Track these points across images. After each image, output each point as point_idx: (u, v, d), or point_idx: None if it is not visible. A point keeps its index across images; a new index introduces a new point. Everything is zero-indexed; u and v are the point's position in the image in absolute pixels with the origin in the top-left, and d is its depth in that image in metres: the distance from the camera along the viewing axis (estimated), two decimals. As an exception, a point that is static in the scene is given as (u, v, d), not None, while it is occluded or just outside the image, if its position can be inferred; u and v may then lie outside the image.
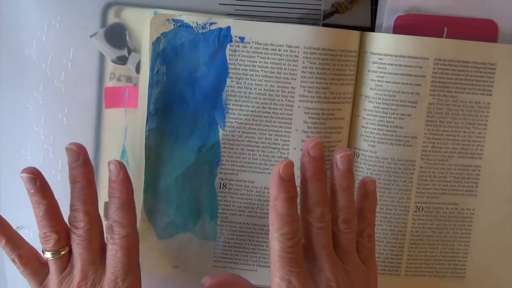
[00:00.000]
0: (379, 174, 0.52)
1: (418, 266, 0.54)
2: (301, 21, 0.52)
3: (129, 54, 0.52)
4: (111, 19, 0.52)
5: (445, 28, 0.52)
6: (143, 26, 0.51)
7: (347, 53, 0.50)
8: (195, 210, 0.53)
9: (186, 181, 0.52)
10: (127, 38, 0.52)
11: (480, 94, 0.52)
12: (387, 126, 0.51)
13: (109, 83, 0.52)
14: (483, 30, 0.52)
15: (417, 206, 0.53)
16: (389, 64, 0.50)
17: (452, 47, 0.51)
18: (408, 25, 0.51)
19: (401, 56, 0.50)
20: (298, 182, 0.43)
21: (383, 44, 0.50)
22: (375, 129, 0.51)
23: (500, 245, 0.54)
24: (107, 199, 0.47)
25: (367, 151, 0.52)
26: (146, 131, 0.51)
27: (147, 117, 0.51)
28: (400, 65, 0.50)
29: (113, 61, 0.52)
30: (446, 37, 0.52)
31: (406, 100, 0.51)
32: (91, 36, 0.51)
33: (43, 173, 0.45)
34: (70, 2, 0.51)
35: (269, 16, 0.52)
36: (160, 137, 0.52)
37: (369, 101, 0.51)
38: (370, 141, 0.52)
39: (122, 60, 0.52)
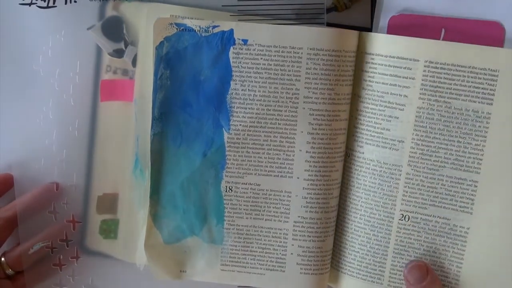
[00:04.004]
0: (365, 175, 0.51)
1: (402, 278, 0.51)
2: (303, 19, 0.51)
3: (126, 47, 0.52)
4: (109, 12, 0.52)
5: (443, 30, 0.49)
6: (140, 19, 0.51)
7: (349, 53, 0.50)
8: (202, 214, 0.53)
9: (191, 185, 0.52)
10: (124, 31, 0.52)
11: (478, 103, 0.48)
12: (375, 127, 0.50)
13: (105, 76, 0.52)
14: (487, 33, 0.48)
15: (402, 214, 0.51)
16: (379, 64, 0.49)
17: (446, 49, 0.48)
18: (403, 25, 0.50)
19: (390, 57, 0.49)
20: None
21: (374, 44, 0.50)
22: (364, 129, 0.51)
23: (498, 271, 0.49)
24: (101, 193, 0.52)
25: (355, 151, 0.51)
26: (151, 136, 0.51)
27: (152, 122, 0.51)
28: (389, 65, 0.49)
29: (110, 54, 0.52)
30: (443, 39, 0.49)
31: (394, 102, 0.49)
32: (88, 29, 0.52)
33: (59, 186, 0.51)
34: (74, 16, 0.51)
35: (272, 14, 0.52)
36: (165, 141, 0.52)
37: (360, 101, 0.51)
38: (359, 141, 0.51)
39: (118, 53, 0.52)
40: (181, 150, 0.52)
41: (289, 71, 0.49)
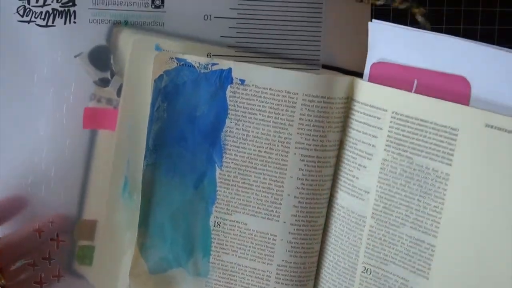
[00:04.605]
0: (336, 221, 0.51)
1: None
2: (299, 61, 0.52)
3: (111, 77, 0.52)
4: (107, 35, 0.52)
5: (415, 81, 0.47)
6: (127, 49, 0.52)
7: (342, 100, 0.50)
8: (189, 246, 0.53)
9: (181, 217, 0.53)
10: (111, 61, 0.52)
11: (438, 162, 0.45)
12: (347, 174, 0.50)
13: (89, 104, 0.53)
14: (454, 88, 0.45)
15: (364, 267, 0.49)
16: (357, 111, 0.49)
17: (411, 101, 0.46)
18: (382, 73, 0.49)
19: (365, 104, 0.48)
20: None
21: (355, 90, 0.49)
22: (340, 175, 0.50)
23: None
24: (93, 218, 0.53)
25: (332, 196, 0.51)
26: (144, 166, 0.52)
27: (145, 153, 0.52)
28: (364, 113, 0.49)
29: (95, 83, 0.52)
30: (415, 91, 0.47)
31: (364, 151, 0.49)
32: (75, 56, 0.52)
33: (44, 207, 0.52)
34: (72, 37, 0.52)
35: (269, 52, 0.52)
36: (158, 173, 0.52)
37: (342, 147, 0.50)
38: (336, 186, 0.51)
39: (104, 83, 0.52)
40: (173, 182, 0.52)
41: (283, 115, 0.49)
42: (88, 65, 0.52)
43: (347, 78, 0.50)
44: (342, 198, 0.50)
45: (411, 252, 0.47)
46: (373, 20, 0.48)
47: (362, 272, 0.49)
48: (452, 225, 0.44)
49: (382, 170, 0.48)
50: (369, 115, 0.48)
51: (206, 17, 0.52)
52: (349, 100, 0.50)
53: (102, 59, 0.52)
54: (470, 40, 0.44)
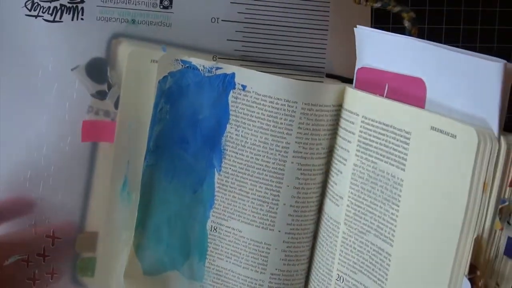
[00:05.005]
0: (321, 227, 0.50)
1: None
2: (303, 67, 0.52)
3: (109, 90, 0.52)
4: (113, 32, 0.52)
5: (386, 85, 0.45)
6: (124, 62, 0.51)
7: (337, 107, 0.49)
8: (185, 249, 0.53)
9: (179, 220, 0.53)
10: (108, 73, 0.52)
11: (395, 167, 0.43)
12: (330, 180, 0.49)
13: (86, 116, 0.53)
14: (414, 90, 0.43)
15: (338, 275, 0.48)
16: (341, 117, 0.49)
17: (377, 105, 0.45)
18: (364, 79, 0.48)
19: (345, 110, 0.48)
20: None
21: (344, 96, 0.49)
22: (327, 182, 0.50)
23: None
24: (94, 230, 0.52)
25: (321, 203, 0.51)
26: (143, 167, 0.52)
27: (146, 154, 0.52)
28: (343, 118, 0.48)
29: (92, 95, 0.52)
30: (386, 95, 0.45)
31: (341, 156, 0.48)
32: (72, 70, 0.52)
33: (42, 204, 0.52)
34: (79, 34, 0.52)
35: (273, 58, 0.52)
36: (158, 174, 0.52)
37: (329, 154, 0.50)
38: (324, 193, 0.50)
39: (101, 95, 0.52)
40: (172, 184, 0.52)
41: (282, 123, 0.49)
42: (85, 77, 0.52)
43: (340, 86, 0.49)
44: (326, 204, 0.50)
45: (374, 261, 0.45)
46: (357, 26, 0.47)
47: (336, 279, 0.48)
48: (405, 234, 0.42)
49: (353, 175, 0.47)
50: (347, 120, 0.48)
51: (213, 20, 0.52)
52: (340, 107, 0.49)
53: (99, 71, 0.52)
54: (425, 41, 0.42)
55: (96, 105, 0.52)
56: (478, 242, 0.38)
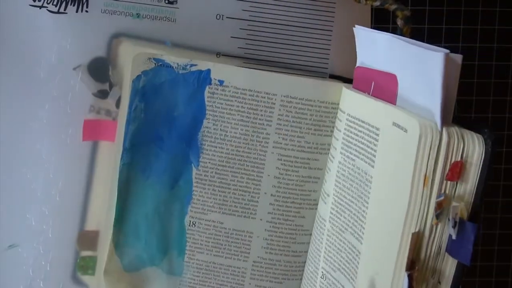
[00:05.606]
0: (314, 225, 0.51)
1: None
2: (307, 67, 0.53)
3: (110, 89, 0.53)
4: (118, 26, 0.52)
5: (373, 83, 0.45)
6: (126, 61, 0.52)
7: (327, 104, 0.51)
8: (163, 245, 0.53)
9: (156, 216, 0.53)
10: (110, 72, 0.52)
11: (368, 164, 0.42)
12: (324, 178, 0.51)
13: (88, 115, 0.53)
14: (388, 86, 0.42)
15: (322, 272, 0.47)
16: (335, 115, 0.50)
17: (357, 103, 0.45)
18: (358, 78, 0.48)
19: (338, 108, 0.49)
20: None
21: (331, 94, 0.50)
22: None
23: None
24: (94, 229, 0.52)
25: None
26: (120, 165, 0.52)
27: (122, 152, 0.52)
28: (337, 117, 0.49)
29: (94, 95, 0.52)
30: (372, 93, 0.45)
31: (331, 154, 0.49)
32: (74, 69, 0.52)
33: (41, 192, 0.51)
34: (83, 25, 0.51)
35: (276, 57, 0.53)
36: (134, 172, 0.53)
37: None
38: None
39: (103, 94, 0.53)
40: (149, 181, 0.53)
41: (262, 115, 0.51)
42: (87, 76, 0.52)
43: (329, 83, 0.51)
44: (319, 202, 0.51)
45: (348, 259, 0.44)
46: (356, 25, 0.49)
47: (320, 277, 0.49)
48: (372, 231, 0.41)
49: (337, 173, 0.47)
50: (338, 119, 0.49)
51: (218, 17, 0.52)
52: (334, 105, 0.50)
53: (100, 70, 0.52)
54: (397, 36, 0.42)
55: (97, 104, 0.52)
56: (416, 237, 0.37)
